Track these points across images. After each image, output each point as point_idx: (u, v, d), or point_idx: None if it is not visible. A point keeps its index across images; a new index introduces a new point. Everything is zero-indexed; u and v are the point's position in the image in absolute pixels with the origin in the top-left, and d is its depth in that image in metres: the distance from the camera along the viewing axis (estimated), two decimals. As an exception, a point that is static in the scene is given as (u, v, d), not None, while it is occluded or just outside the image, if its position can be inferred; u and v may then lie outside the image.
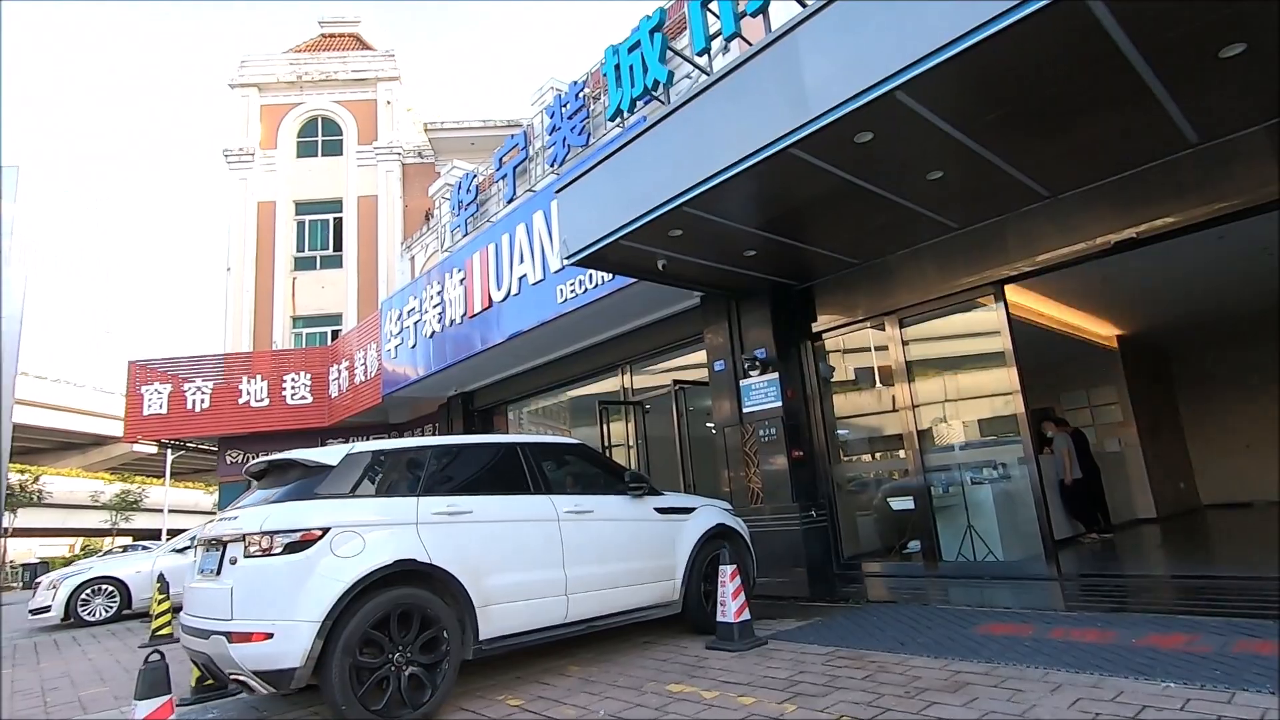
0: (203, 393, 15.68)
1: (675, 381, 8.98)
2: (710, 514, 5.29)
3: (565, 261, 6.72)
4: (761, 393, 7.90)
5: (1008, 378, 6.56)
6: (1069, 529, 8.95)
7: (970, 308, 7.09)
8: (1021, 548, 7.11)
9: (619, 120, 8.74)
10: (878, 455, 8.54)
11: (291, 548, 3.40)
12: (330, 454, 3.87)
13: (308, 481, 3.71)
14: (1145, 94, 4.65)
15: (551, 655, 4.75)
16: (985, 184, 5.84)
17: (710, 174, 5.22)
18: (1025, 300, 8.49)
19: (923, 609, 5.28)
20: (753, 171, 5.11)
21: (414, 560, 3.63)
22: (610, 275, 8.30)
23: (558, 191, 6.80)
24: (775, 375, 7.80)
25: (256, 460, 4.09)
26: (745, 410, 8.06)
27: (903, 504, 7.31)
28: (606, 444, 9.95)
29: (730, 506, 5.90)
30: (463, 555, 3.83)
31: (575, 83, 10.86)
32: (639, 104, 7.86)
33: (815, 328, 8.05)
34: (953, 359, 7.89)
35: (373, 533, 3.61)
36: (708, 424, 8.70)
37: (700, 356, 8.75)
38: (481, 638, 3.80)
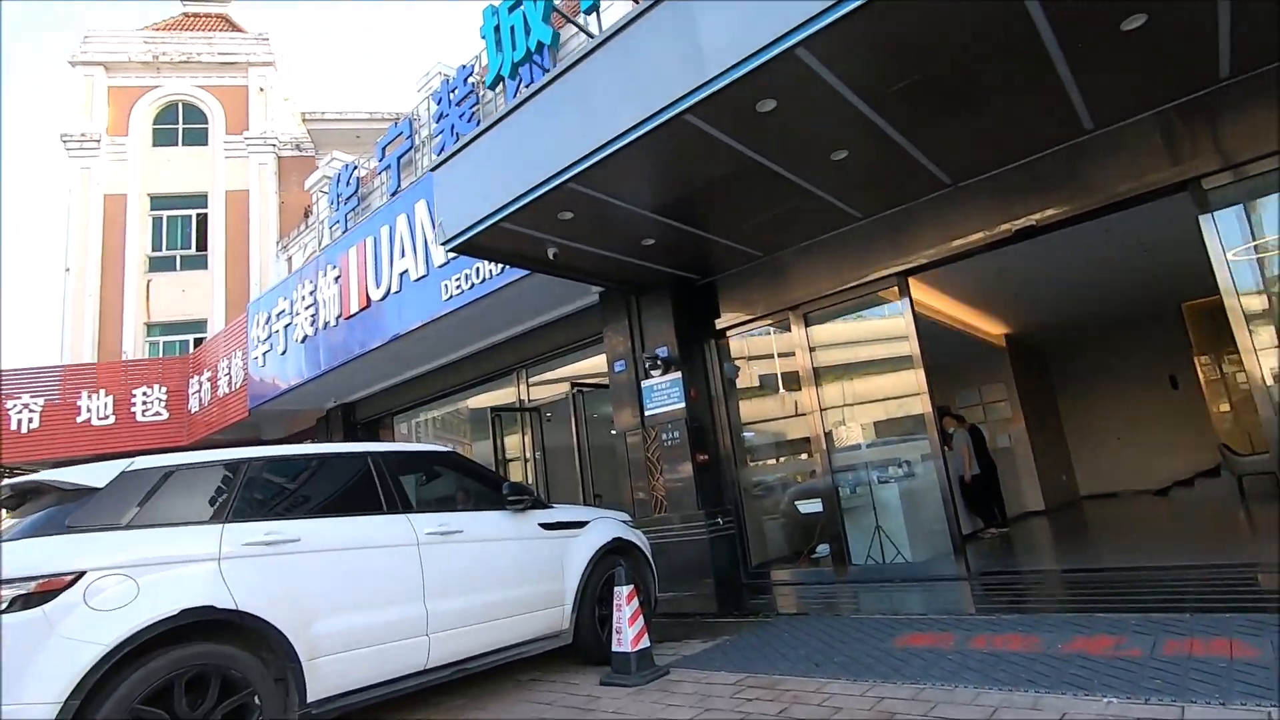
0: (31, 411, 13.55)
1: (573, 384, 8.33)
2: (606, 527, 4.68)
3: (443, 248, 5.95)
4: (664, 394, 7.39)
5: (914, 373, 6.35)
6: (969, 525, 8.97)
7: (876, 304, 6.87)
8: (929, 547, 6.93)
9: (500, 88, 8.04)
10: (785, 457, 8.22)
11: (24, 602, 2.50)
12: (97, 472, 2.96)
13: (60, 510, 2.80)
14: (1048, 69, 4.48)
15: (410, 705, 3.97)
16: (889, 168, 5.58)
17: (598, 145, 4.65)
18: (924, 297, 8.45)
19: (836, 620, 4.88)
20: (646, 142, 4.58)
21: (212, 607, 2.79)
22: (499, 268, 7.57)
23: (433, 169, 6.04)
24: (678, 375, 7.31)
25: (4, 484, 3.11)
26: (647, 413, 7.52)
27: (811, 507, 6.98)
28: (501, 457, 9.15)
29: (629, 518, 5.32)
30: (285, 596, 3.02)
31: (464, 66, 10.05)
32: (522, 70, 7.19)
33: (719, 325, 7.64)
34: (858, 357, 7.69)
35: (151, 574, 2.74)
36: (613, 432, 8.13)
37: (602, 361, 8.15)
38: (311, 698, 3.00)
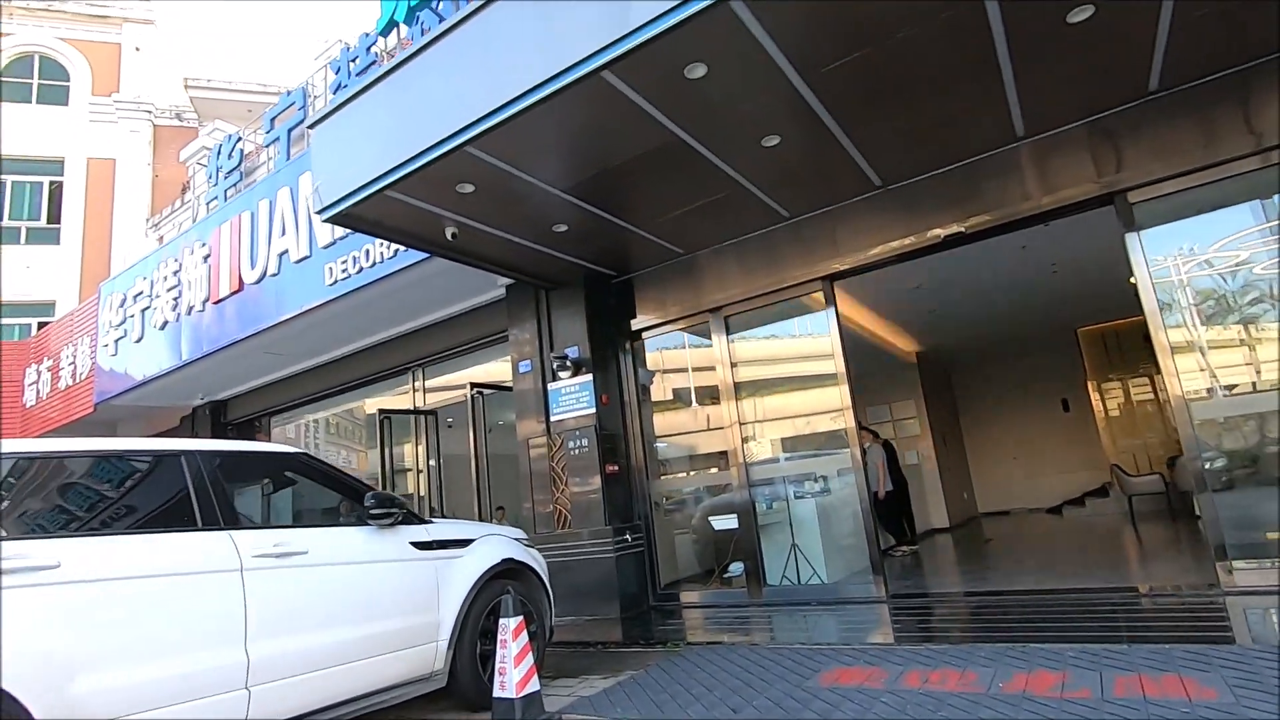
0: None
1: (473, 386, 7.56)
2: (495, 547, 3.99)
3: (319, 217, 5.11)
4: (573, 398, 6.77)
5: (836, 383, 6.02)
6: (881, 542, 8.80)
7: (800, 310, 6.52)
8: (845, 566, 6.62)
9: (399, 39, 7.24)
10: (699, 470, 7.76)
11: None
12: None
13: None
14: (991, 62, 4.23)
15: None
16: (822, 163, 5.24)
17: (503, 102, 4.02)
18: (846, 309, 8.23)
19: (753, 652, 4.39)
20: (559, 104, 3.99)
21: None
22: (391, 250, 6.75)
23: (311, 126, 5.20)
24: (589, 378, 6.72)
25: None
26: (553, 418, 6.88)
27: (725, 523, 6.53)
28: (390, 467, 8.22)
29: (523, 535, 4.65)
30: (31, 645, 2.20)
31: (367, 35, 9.13)
32: (420, 15, 6.44)
33: (635, 325, 7.11)
34: (780, 365, 7.35)
35: None
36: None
37: (509, 364, 7.42)
38: (60, 787, 2.19)
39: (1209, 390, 4.79)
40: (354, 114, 4.91)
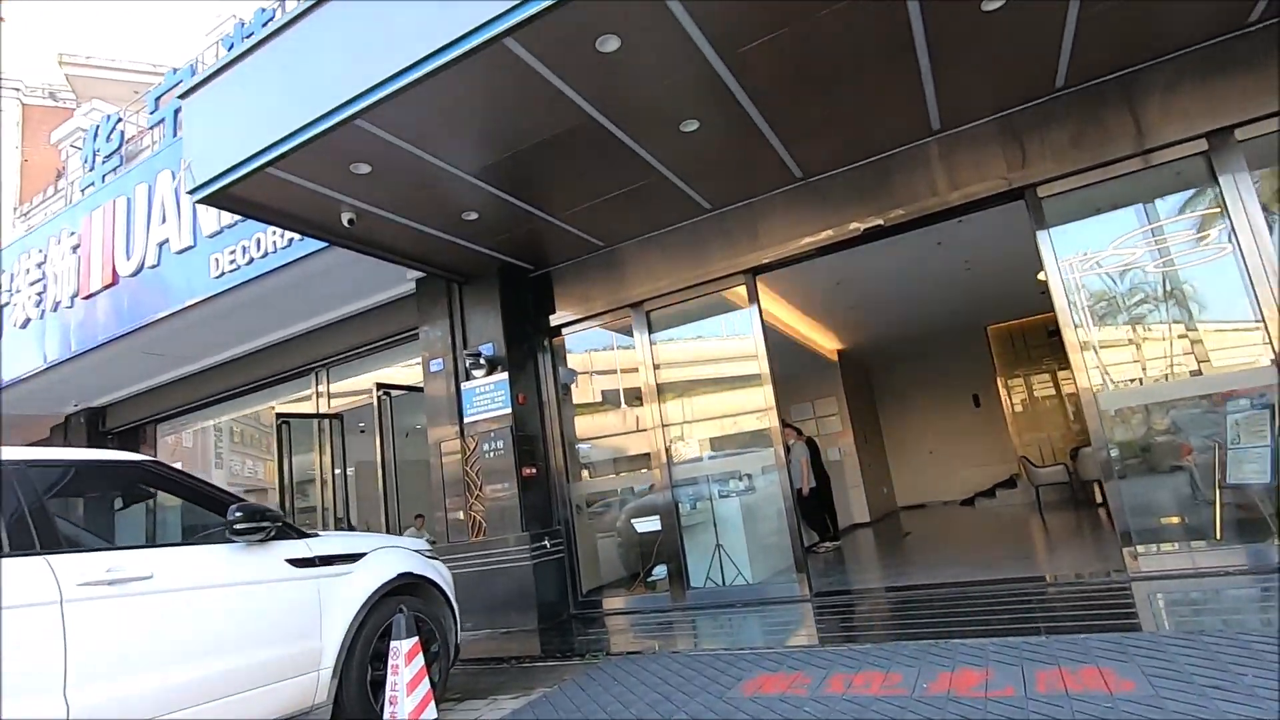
0: None
1: (379, 386, 7.06)
2: (389, 560, 3.61)
3: (192, 198, 4.57)
4: (487, 398, 6.40)
5: (759, 379, 5.90)
6: (805, 539, 8.81)
7: (723, 308, 6.37)
8: (770, 565, 6.51)
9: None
10: (622, 471, 7.52)
11: None
12: None
13: None
14: (907, 51, 4.18)
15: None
16: (742, 152, 5.10)
17: (397, 70, 3.65)
18: (770, 305, 8.20)
19: (674, 660, 4.17)
20: (460, 74, 3.66)
21: None
22: (285, 239, 6.20)
23: (183, 95, 4.65)
24: (504, 376, 6.36)
25: None
26: (467, 419, 6.48)
27: (648, 525, 6.31)
28: (289, 478, 7.59)
29: (428, 544, 4.27)
30: None
31: (263, 10, 8.46)
32: None
33: (554, 321, 6.80)
34: (703, 361, 7.20)
35: None
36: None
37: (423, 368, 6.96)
38: None
39: (1114, 382, 4.91)
40: (232, 82, 4.41)
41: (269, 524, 2.98)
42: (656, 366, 6.38)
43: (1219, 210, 4.54)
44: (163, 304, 7.09)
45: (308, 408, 8.39)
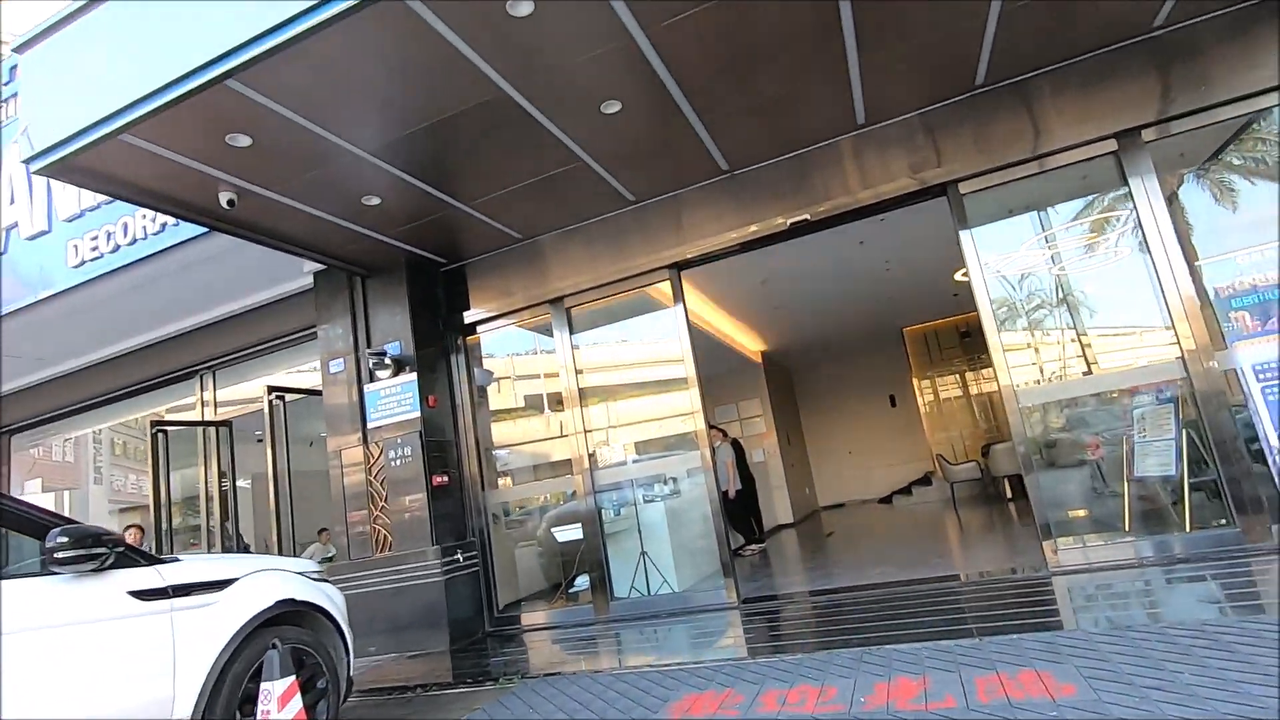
0: None
1: (271, 390, 6.41)
2: (266, 585, 3.13)
3: (30, 168, 3.91)
4: (393, 400, 5.90)
5: (684, 378, 5.67)
6: (731, 542, 8.68)
7: (647, 307, 6.12)
8: (696, 571, 6.31)
9: None
10: (543, 477, 7.15)
11: None
12: None
13: None
14: (836, 39, 4.04)
15: None
16: (667, 139, 4.86)
17: (274, 23, 3.19)
18: (695, 305, 8.03)
19: (596, 681, 3.85)
20: (348, 30, 3.25)
21: None
22: (157, 223, 5.52)
23: (19, 49, 3.98)
24: (412, 378, 5.88)
25: None
26: (371, 425, 5.96)
27: (569, 534, 5.97)
28: (166, 493, 6.79)
29: (317, 566, 3.78)
30: None
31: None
32: None
33: (468, 318, 6.36)
34: (628, 363, 6.94)
35: None
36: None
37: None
38: None
39: (1032, 379, 4.97)
40: (79, 34, 3.80)
41: (102, 550, 2.47)
42: (579, 372, 6.04)
43: (1130, 211, 4.64)
44: (11, 298, 6.20)
45: (197, 413, 7.58)
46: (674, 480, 6.94)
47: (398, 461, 5.79)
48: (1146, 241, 4.54)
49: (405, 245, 5.82)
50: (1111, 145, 4.64)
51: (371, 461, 5.90)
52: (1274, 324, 4.38)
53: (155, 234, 5.54)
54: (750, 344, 11.21)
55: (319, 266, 6.15)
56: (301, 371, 6.91)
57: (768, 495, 11.16)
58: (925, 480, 12.55)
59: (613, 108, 4.32)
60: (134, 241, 5.63)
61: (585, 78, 4.00)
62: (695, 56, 4.00)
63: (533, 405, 7.36)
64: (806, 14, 3.81)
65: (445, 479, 5.90)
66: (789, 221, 5.29)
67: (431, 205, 5.20)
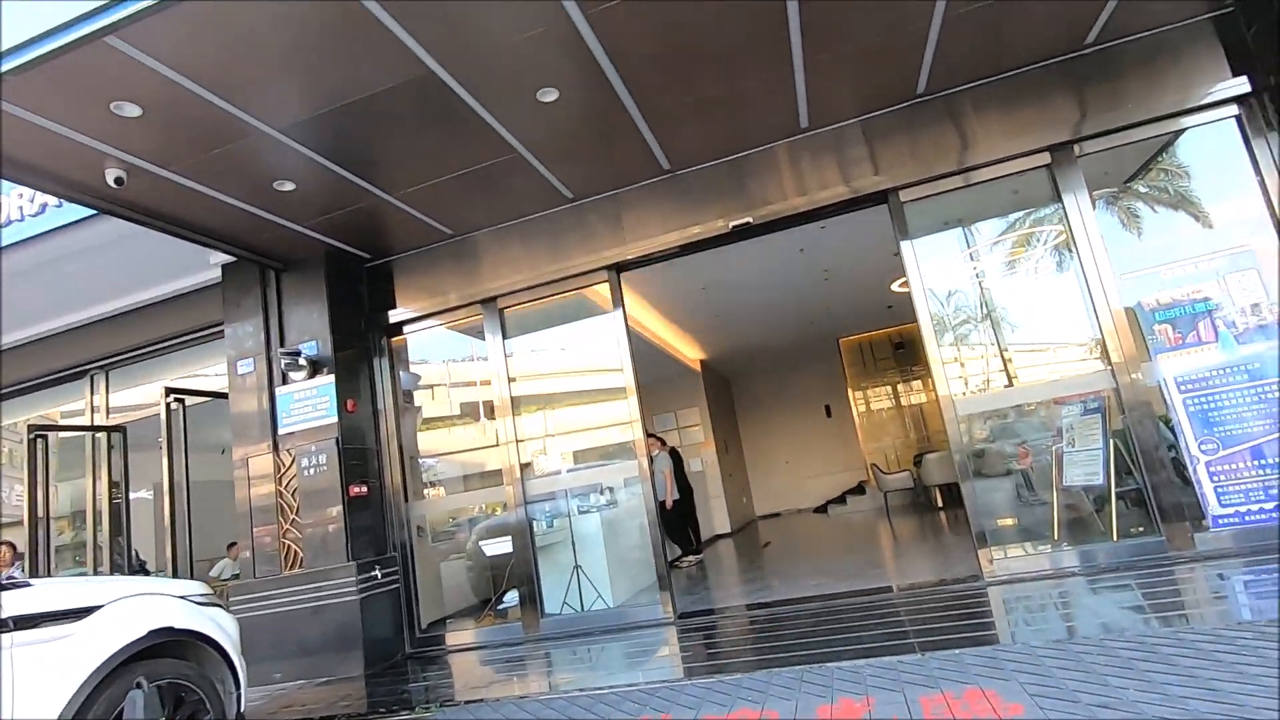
0: None
1: (169, 391, 5.85)
2: (135, 614, 2.72)
3: None
4: (308, 405, 5.46)
5: (623, 386, 5.46)
6: (668, 553, 8.49)
7: (586, 311, 5.89)
8: (632, 585, 6.09)
9: None
10: (472, 487, 6.80)
11: None
12: None
13: None
14: (782, 37, 3.93)
15: None
16: (607, 133, 4.66)
17: (168, -28, 2.83)
18: (635, 310, 7.84)
19: (522, 708, 3.57)
20: (256, -10, 2.90)
21: None
22: (35, 202, 4.94)
23: None
24: (329, 380, 5.47)
25: None
26: (283, 430, 5.50)
27: (498, 547, 5.65)
28: (43, 507, 6.10)
29: (202, 588, 3.35)
30: None
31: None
32: None
33: (394, 317, 5.98)
34: (565, 369, 6.68)
35: None
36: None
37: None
38: None
39: (969, 389, 4.98)
40: (-67, -21, 3.30)
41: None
42: (512, 380, 5.73)
43: (1063, 225, 4.72)
44: None
45: (93, 418, 6.87)
46: (610, 490, 6.71)
47: (311, 470, 5.34)
48: (1079, 255, 4.61)
49: (324, 237, 5.41)
50: (1045, 159, 4.70)
51: (282, 470, 5.44)
52: (1194, 337, 4.52)
53: (34, 215, 4.96)
54: (690, 352, 11.11)
55: (227, 258, 5.66)
56: (204, 375, 6.35)
57: (705, 505, 11.05)
58: (859, 489, 12.71)
59: (549, 96, 4.09)
60: (9, 223, 5.03)
61: (520, 60, 3.75)
62: (638, 47, 3.82)
63: (464, 412, 7.01)
64: (753, 10, 3.69)
65: (364, 489, 5.49)
66: (731, 224, 5.17)
67: (353, 194, 4.84)
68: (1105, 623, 3.31)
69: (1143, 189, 5.23)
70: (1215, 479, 4.29)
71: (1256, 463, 4.24)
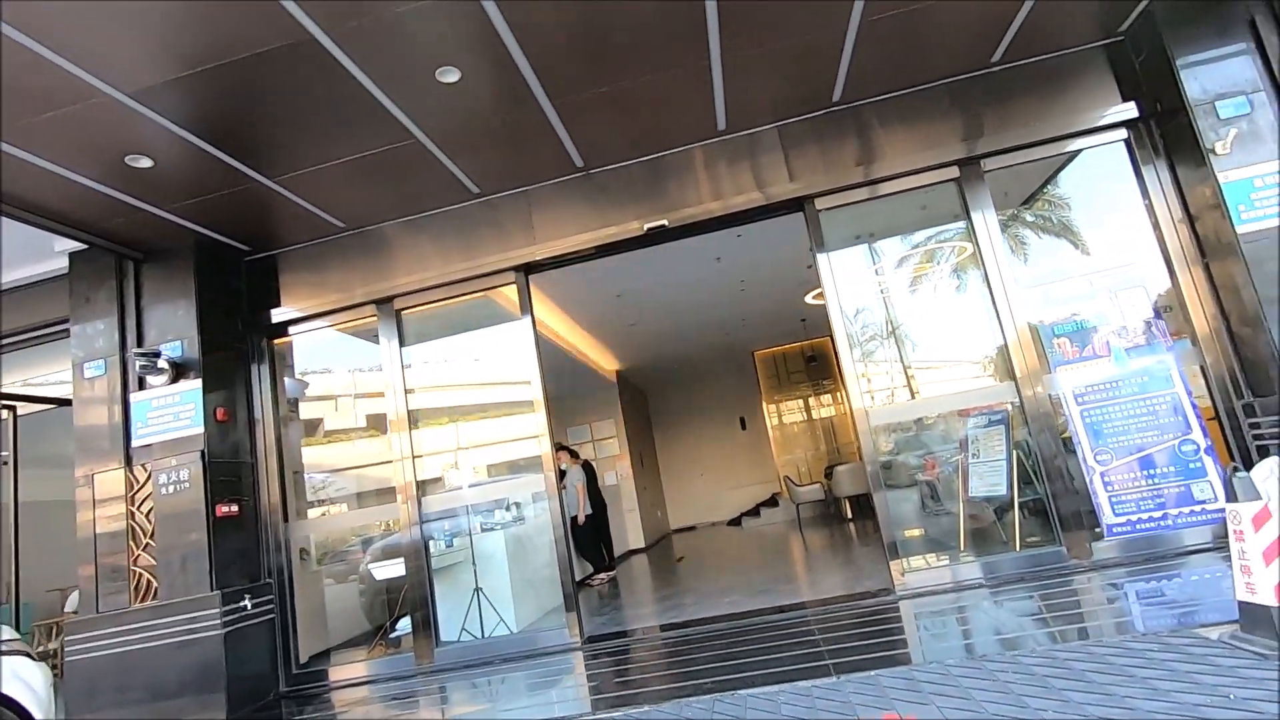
0: None
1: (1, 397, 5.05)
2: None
3: None
4: (168, 413, 4.82)
5: (531, 393, 5.12)
6: (579, 571, 8.16)
7: (494, 316, 5.53)
8: (537, 607, 5.73)
9: None
10: (364, 505, 6.26)
11: None
12: None
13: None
14: (700, 33, 3.77)
15: None
16: (516, 124, 4.35)
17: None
18: (546, 316, 7.53)
19: (402, 755, 3.16)
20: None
21: None
22: None
23: None
24: (196, 385, 4.85)
25: None
26: (137, 442, 4.84)
27: (389, 570, 5.16)
28: None
29: (9, 633, 2.77)
30: None
31: None
32: None
33: (278, 317, 5.42)
34: (469, 376, 6.28)
35: None
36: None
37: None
38: None
39: (882, 400, 4.96)
40: None
41: None
42: (409, 391, 5.28)
43: (970, 240, 4.78)
44: None
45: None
46: (517, 506, 6.34)
47: (171, 488, 4.70)
48: (985, 270, 4.68)
49: (193, 224, 4.82)
50: (954, 173, 4.76)
51: (135, 488, 4.76)
52: (1090, 351, 4.66)
53: None
54: (606, 363, 10.86)
55: (76, 245, 4.96)
56: (42, 383, 5.55)
57: (620, 519, 10.78)
58: (772, 502, 12.79)
59: (451, 76, 3.75)
60: None
61: (416, 34, 3.40)
62: (550, 34, 3.55)
63: (367, 424, 6.48)
64: (672, 3, 3.50)
65: (235, 509, 4.89)
66: (646, 226, 4.96)
67: (225, 176, 4.31)
68: (1016, 637, 3.26)
69: (1041, 208, 5.42)
70: (1109, 488, 4.41)
71: (1146, 472, 4.40)
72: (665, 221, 4.94)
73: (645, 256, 5.87)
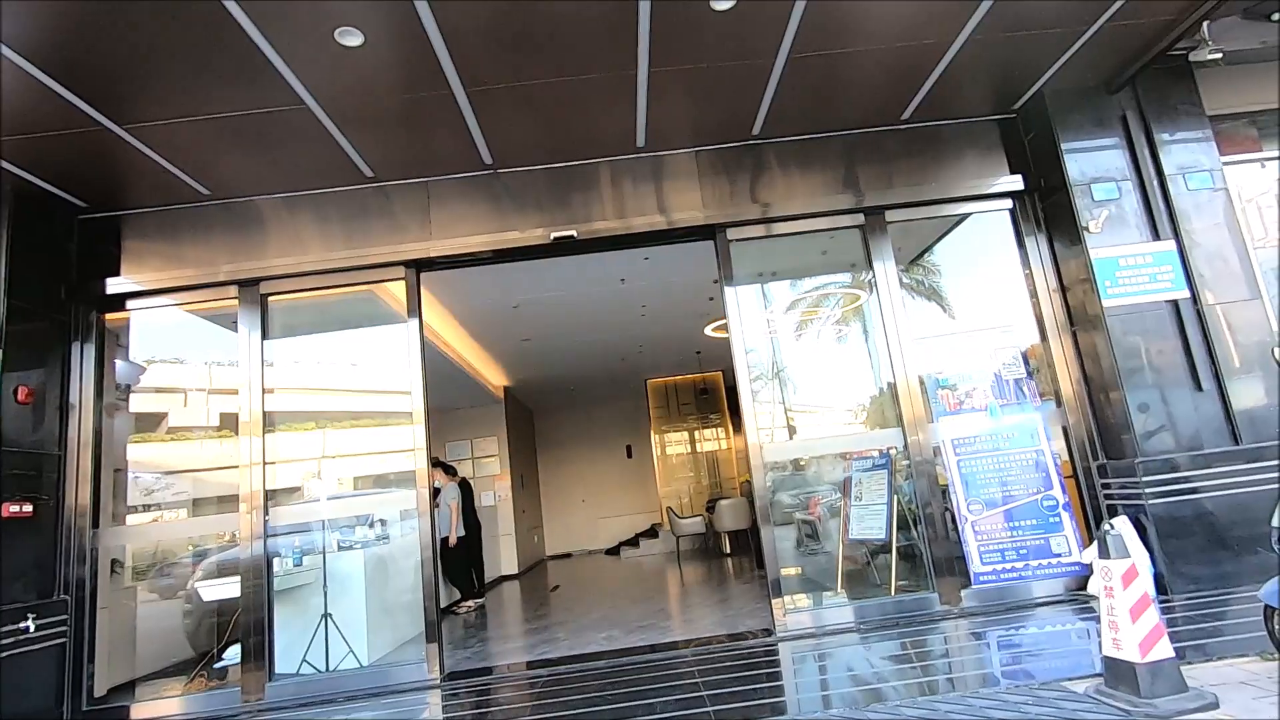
0: None
1: None
2: None
3: None
4: (-48, 388, 3.97)
5: (410, 404, 4.68)
6: (445, 598, 7.59)
7: (376, 318, 5.06)
8: (394, 636, 5.22)
9: None
10: (201, 512, 5.48)
11: None
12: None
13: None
14: (629, 40, 3.62)
15: None
16: (422, 106, 4.00)
17: None
18: (433, 319, 7.05)
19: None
20: None
21: None
22: None
23: None
24: (-6, 357, 4.04)
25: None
26: (-98, 421, 3.93)
27: (220, 590, 4.50)
28: None
29: None
30: None
31: None
32: None
33: (115, 288, 4.67)
34: (338, 379, 5.70)
35: None
36: None
37: None
38: None
39: (777, 439, 4.94)
40: None
41: None
42: (267, 390, 4.68)
43: (870, 288, 4.90)
44: None
45: None
46: (382, 523, 5.79)
47: (-58, 479, 3.85)
48: (883, 317, 4.79)
49: (12, 166, 4.06)
50: (860, 219, 4.88)
51: (-108, 477, 3.86)
52: (970, 404, 4.86)
53: None
54: (494, 377, 10.39)
55: None
56: None
57: (494, 543, 10.25)
58: (652, 533, 12.66)
59: (352, 39, 3.37)
60: None
61: (317, -17, 3.02)
62: (472, 12, 3.27)
63: (210, 422, 5.70)
64: (607, 2, 3.33)
65: (27, 508, 4.08)
66: (553, 235, 4.72)
67: (63, 114, 3.65)
68: (894, 686, 3.22)
69: (930, 266, 5.68)
70: (979, 537, 4.58)
71: (1010, 524, 4.60)
72: (574, 233, 4.72)
73: (548, 268, 5.63)
